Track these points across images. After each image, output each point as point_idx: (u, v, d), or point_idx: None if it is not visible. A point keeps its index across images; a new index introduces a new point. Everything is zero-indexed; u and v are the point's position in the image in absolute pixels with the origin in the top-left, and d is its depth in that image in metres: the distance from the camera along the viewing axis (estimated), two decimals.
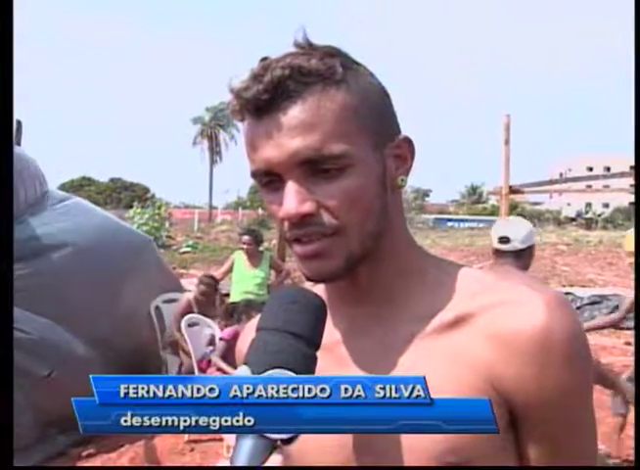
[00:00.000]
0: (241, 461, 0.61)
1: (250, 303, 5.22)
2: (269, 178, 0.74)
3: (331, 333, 0.80)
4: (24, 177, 5.32)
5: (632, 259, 3.69)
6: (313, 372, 0.67)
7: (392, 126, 0.78)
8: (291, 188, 0.71)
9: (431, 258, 0.83)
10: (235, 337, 4.79)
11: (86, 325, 5.10)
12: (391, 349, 0.76)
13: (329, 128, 0.70)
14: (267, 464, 0.62)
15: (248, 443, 0.62)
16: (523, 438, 0.74)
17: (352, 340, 0.80)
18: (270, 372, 0.64)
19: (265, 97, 0.70)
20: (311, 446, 0.71)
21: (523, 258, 2.96)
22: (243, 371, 0.65)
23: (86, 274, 5.28)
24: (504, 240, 2.95)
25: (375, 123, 0.75)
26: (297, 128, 0.70)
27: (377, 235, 0.76)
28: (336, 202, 0.72)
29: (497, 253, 2.99)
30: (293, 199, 0.71)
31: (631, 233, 3.72)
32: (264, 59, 0.73)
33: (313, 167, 0.71)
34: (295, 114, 0.70)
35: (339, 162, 0.71)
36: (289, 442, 0.63)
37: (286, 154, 0.70)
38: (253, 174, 0.75)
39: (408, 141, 0.79)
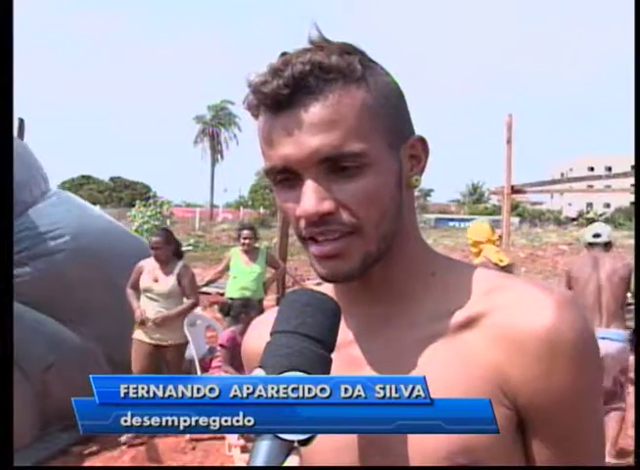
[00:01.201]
0: (258, 463, 0.61)
1: (247, 302, 5.22)
2: (285, 175, 0.72)
3: (342, 333, 0.79)
4: (28, 175, 5.33)
5: (476, 249, 4.59)
6: (328, 374, 0.67)
7: (408, 126, 0.78)
8: (310, 186, 0.70)
9: (441, 259, 0.83)
10: (232, 340, 4.79)
11: (88, 322, 5.09)
12: (402, 350, 0.76)
13: (349, 126, 0.69)
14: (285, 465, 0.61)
15: (264, 444, 0.62)
16: (530, 439, 0.74)
17: (363, 340, 0.80)
18: (285, 375, 0.63)
19: (285, 92, 0.69)
20: (322, 446, 0.69)
21: (607, 248, 4.49)
22: (258, 374, 0.65)
23: (89, 271, 5.27)
24: (597, 235, 4.51)
25: (392, 122, 0.74)
26: (317, 125, 0.69)
27: (392, 235, 0.75)
28: (355, 200, 0.71)
29: (590, 245, 4.54)
30: (312, 197, 0.70)
31: (475, 223, 5.14)
32: (284, 54, 0.72)
33: (332, 166, 0.70)
34: (316, 110, 0.69)
35: (357, 160, 0.70)
36: (306, 442, 0.63)
37: (306, 151, 0.69)
38: (268, 171, 0.74)
39: (422, 141, 0.78)
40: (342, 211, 0.71)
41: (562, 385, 0.71)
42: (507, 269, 4.43)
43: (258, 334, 0.84)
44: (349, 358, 0.78)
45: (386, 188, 0.73)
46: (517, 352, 0.71)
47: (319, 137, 0.69)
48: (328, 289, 0.84)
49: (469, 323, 0.74)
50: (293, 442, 0.63)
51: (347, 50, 0.72)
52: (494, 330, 0.72)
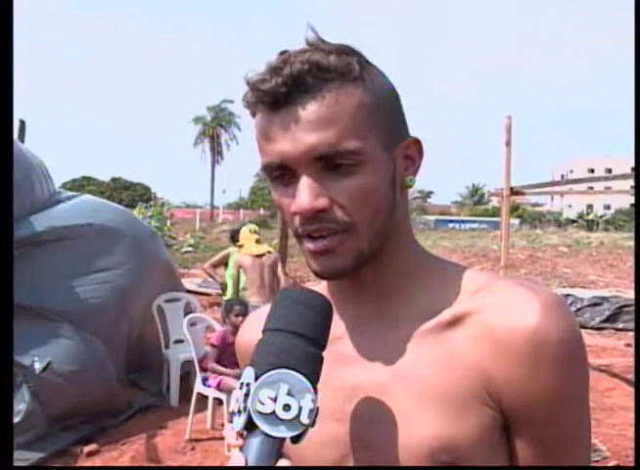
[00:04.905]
0: (251, 460, 0.62)
1: (238, 301, 5.23)
2: (281, 172, 0.73)
3: (334, 330, 0.80)
4: (32, 178, 5.32)
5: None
6: (319, 372, 0.67)
7: (403, 127, 0.79)
8: (305, 183, 0.71)
9: (432, 259, 0.84)
10: (222, 340, 4.82)
11: (93, 318, 5.08)
12: (390, 347, 0.77)
13: (345, 125, 0.70)
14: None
15: (256, 441, 0.62)
16: (513, 438, 0.74)
17: (354, 338, 0.80)
18: (273, 372, 0.64)
19: (284, 90, 0.70)
20: (308, 441, 0.70)
21: None
22: (247, 372, 0.65)
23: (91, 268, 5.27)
24: None
25: (387, 123, 0.75)
26: (314, 123, 0.70)
27: (384, 235, 0.76)
28: (349, 198, 0.72)
29: None
30: (307, 194, 0.71)
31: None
32: (283, 52, 0.73)
33: (327, 163, 0.71)
34: (313, 108, 0.70)
35: (352, 158, 0.71)
36: (298, 439, 0.64)
37: (302, 148, 0.70)
38: (265, 167, 0.75)
39: (417, 142, 0.79)
40: (335, 209, 0.72)
41: (545, 386, 0.71)
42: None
43: (251, 328, 0.86)
44: (339, 355, 0.79)
45: (380, 187, 0.74)
46: (501, 353, 0.71)
47: (315, 135, 0.70)
48: (323, 287, 0.86)
49: (455, 322, 0.75)
50: (284, 439, 0.63)
51: (345, 50, 0.74)
52: (480, 330, 0.73)
